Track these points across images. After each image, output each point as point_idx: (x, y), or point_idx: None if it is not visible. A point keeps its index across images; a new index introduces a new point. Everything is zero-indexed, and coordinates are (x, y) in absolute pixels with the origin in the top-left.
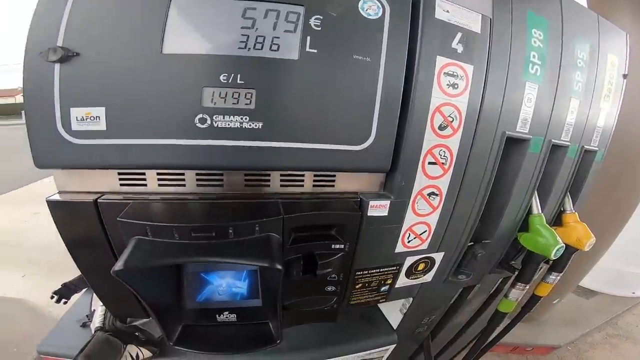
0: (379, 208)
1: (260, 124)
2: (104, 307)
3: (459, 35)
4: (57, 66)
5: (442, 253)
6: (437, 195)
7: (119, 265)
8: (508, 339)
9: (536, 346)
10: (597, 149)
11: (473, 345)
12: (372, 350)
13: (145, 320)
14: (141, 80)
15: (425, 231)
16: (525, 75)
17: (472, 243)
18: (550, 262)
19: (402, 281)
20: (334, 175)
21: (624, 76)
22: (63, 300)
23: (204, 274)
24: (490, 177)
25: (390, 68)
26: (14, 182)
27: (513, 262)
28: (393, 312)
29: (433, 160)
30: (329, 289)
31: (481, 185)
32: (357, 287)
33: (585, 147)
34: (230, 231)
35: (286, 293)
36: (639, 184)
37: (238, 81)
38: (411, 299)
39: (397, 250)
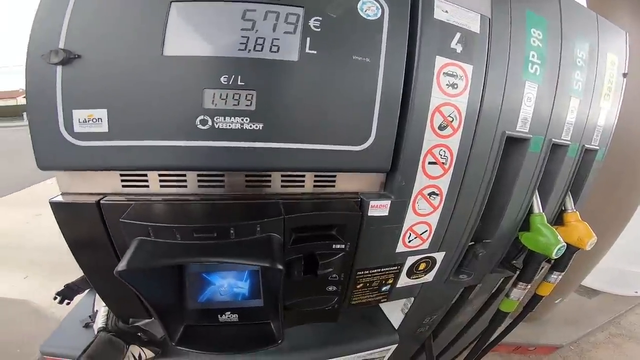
0: (379, 208)
1: (261, 125)
2: (106, 307)
3: (458, 35)
4: (59, 68)
5: (443, 253)
6: (437, 195)
7: (121, 265)
8: (510, 338)
9: (538, 346)
10: (597, 148)
11: (475, 345)
12: (374, 350)
13: (147, 320)
14: (142, 82)
15: (426, 231)
16: (524, 75)
17: (473, 243)
18: (552, 261)
19: (403, 281)
20: (335, 176)
21: (624, 75)
22: (66, 301)
23: (205, 274)
24: (490, 177)
25: (389, 68)
26: (16, 184)
27: (514, 261)
28: (394, 312)
29: (433, 160)
30: (330, 289)
31: (482, 184)
32: (358, 287)
33: (586, 146)
34: (232, 232)
35: (287, 293)
36: None
37: (239, 83)
38: (412, 299)
39: (398, 250)
